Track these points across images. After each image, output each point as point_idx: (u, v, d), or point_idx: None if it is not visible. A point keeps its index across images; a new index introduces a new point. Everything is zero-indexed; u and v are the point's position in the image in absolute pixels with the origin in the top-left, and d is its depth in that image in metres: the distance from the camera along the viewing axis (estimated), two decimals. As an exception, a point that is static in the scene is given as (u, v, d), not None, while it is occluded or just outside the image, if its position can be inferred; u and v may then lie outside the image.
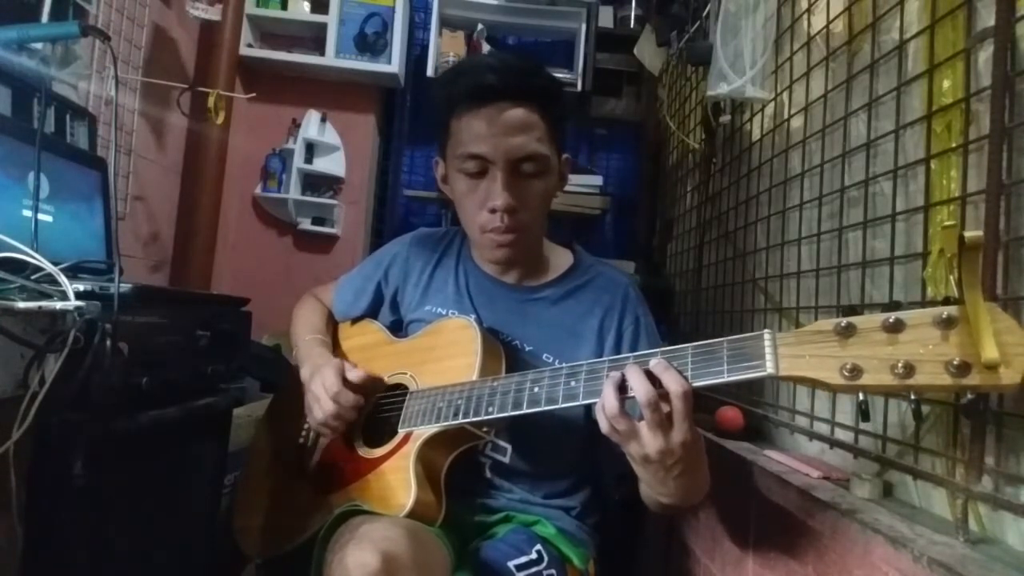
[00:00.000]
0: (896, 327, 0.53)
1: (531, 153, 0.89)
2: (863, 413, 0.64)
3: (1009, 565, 0.60)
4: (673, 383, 0.63)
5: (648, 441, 0.66)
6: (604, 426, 0.67)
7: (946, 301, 0.53)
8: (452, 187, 0.97)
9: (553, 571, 0.86)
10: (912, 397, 0.58)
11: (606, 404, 0.66)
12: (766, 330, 0.61)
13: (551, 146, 0.93)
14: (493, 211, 0.90)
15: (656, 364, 0.65)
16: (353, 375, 0.90)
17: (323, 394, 0.89)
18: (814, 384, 0.59)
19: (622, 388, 0.66)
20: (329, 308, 1.16)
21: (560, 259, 1.05)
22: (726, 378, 0.61)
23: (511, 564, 0.82)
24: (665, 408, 0.65)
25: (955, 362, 0.50)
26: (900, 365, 0.52)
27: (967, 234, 0.48)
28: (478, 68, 0.91)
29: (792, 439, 1.08)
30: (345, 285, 1.14)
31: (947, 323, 0.51)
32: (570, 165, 1.02)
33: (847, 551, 0.73)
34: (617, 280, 1.03)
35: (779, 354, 0.59)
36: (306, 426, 1.03)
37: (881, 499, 0.81)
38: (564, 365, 0.75)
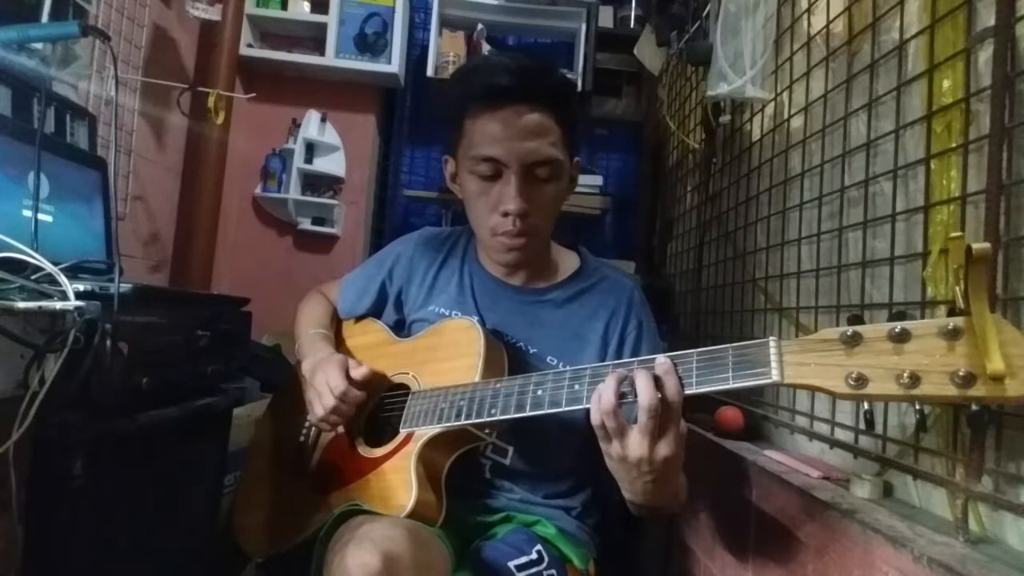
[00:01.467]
0: (902, 337, 0.53)
1: (546, 158, 0.89)
2: (868, 423, 0.64)
3: (1009, 565, 0.60)
4: (670, 389, 0.64)
5: (633, 445, 0.66)
6: (595, 419, 0.67)
7: (951, 312, 0.53)
8: (463, 187, 0.96)
9: (553, 571, 0.86)
10: (917, 407, 0.58)
11: (603, 397, 0.66)
12: (771, 338, 0.61)
13: (564, 150, 0.92)
14: (505, 214, 0.90)
15: (662, 365, 0.65)
16: (357, 372, 0.90)
17: (326, 390, 0.89)
18: (819, 391, 0.59)
19: (623, 385, 0.66)
20: (334, 305, 1.16)
21: (566, 261, 1.05)
22: (731, 385, 0.61)
23: (511, 564, 0.82)
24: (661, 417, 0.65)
25: (960, 373, 0.50)
26: (906, 375, 0.52)
27: (975, 246, 0.48)
28: (493, 68, 0.90)
29: (792, 439, 1.08)
30: (349, 283, 1.14)
31: (953, 334, 0.51)
32: (579, 168, 1.02)
33: (847, 551, 0.73)
34: (622, 284, 1.03)
35: (784, 362, 0.59)
36: (307, 424, 1.03)
37: (881, 499, 0.81)
38: (568, 368, 0.75)
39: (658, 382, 0.65)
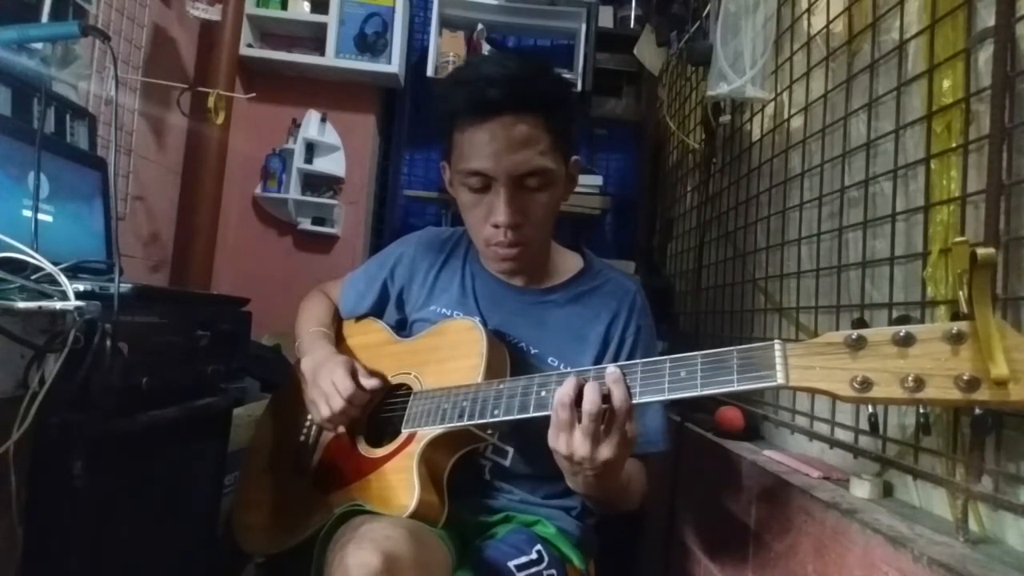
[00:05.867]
0: (907, 341, 0.53)
1: (534, 168, 0.88)
2: (872, 426, 0.64)
3: (1009, 565, 0.60)
4: (617, 397, 0.67)
5: (577, 444, 0.70)
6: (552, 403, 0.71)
7: (954, 316, 0.53)
8: (456, 197, 0.96)
9: (553, 571, 0.86)
10: (921, 410, 0.58)
11: (562, 389, 0.70)
12: (776, 341, 0.61)
13: (556, 156, 0.91)
14: (496, 226, 0.90)
15: (611, 374, 0.68)
16: (368, 383, 0.91)
17: (334, 392, 0.89)
18: (824, 395, 0.59)
19: (579, 392, 0.70)
20: (336, 304, 1.16)
21: (568, 263, 1.05)
22: (736, 387, 0.61)
23: (511, 564, 0.82)
24: (605, 421, 0.69)
25: (965, 377, 0.50)
26: (910, 379, 0.52)
27: (980, 251, 0.48)
28: (478, 81, 0.88)
29: (792, 439, 1.08)
30: (351, 283, 1.14)
31: (957, 338, 0.51)
32: (579, 166, 1.01)
33: (847, 551, 0.73)
34: (626, 287, 1.03)
35: (789, 365, 0.59)
36: (307, 424, 1.03)
37: (881, 499, 0.81)
38: (571, 370, 0.75)
39: (606, 390, 0.68)
